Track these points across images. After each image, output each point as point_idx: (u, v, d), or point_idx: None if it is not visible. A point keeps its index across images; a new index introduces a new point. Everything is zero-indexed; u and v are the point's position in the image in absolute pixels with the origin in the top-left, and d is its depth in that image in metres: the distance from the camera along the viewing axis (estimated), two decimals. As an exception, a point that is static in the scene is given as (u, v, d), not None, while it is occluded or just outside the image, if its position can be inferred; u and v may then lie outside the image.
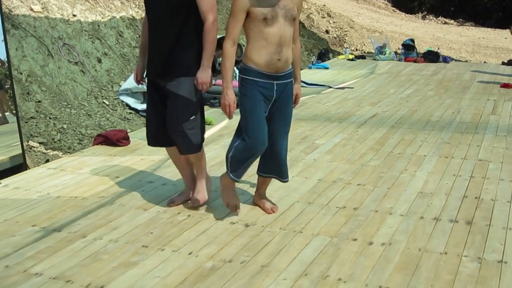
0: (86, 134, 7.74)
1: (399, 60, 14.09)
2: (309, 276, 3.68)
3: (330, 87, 10.69)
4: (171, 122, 4.48)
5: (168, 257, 3.98)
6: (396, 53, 14.80)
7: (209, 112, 7.88)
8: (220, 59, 4.23)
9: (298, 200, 4.99)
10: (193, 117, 4.47)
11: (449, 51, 16.89)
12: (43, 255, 4.04)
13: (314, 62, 13.36)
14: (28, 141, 7.29)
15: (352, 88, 10.63)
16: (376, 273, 3.71)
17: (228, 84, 4.19)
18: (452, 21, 25.47)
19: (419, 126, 7.63)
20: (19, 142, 7.00)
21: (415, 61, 13.78)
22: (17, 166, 6.94)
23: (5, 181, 5.81)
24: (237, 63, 4.52)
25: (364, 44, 16.78)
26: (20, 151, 6.97)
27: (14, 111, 7.38)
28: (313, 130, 7.46)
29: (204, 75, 4.34)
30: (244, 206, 4.82)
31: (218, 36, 4.40)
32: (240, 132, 4.31)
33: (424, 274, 3.70)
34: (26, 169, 6.64)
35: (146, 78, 4.66)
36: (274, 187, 5.29)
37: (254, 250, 4.07)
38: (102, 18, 10.01)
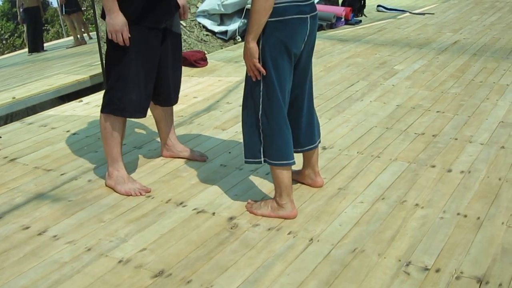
0: (164, 55, 7.80)
1: (482, -14, 13.57)
2: (386, 200, 3.67)
3: (410, 12, 10.43)
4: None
5: (246, 177, 4.03)
6: (480, -22, 14.25)
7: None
8: None
9: (376, 125, 4.94)
10: None
11: (537, -23, 16.15)
12: (124, 170, 4.14)
13: (394, -13, 13.00)
14: (108, 61, 7.40)
15: (433, 14, 10.33)
16: (455, 200, 3.67)
17: None
18: None
19: (502, 55, 7.38)
20: (99, 62, 7.14)
21: (500, -12, 13.24)
22: (97, 85, 7.11)
23: (86, 99, 5.97)
24: None
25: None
26: (100, 71, 7.11)
27: (95, 31, 7.50)
28: (392, 56, 7.33)
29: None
30: (322, 129, 4.78)
31: None
32: None
33: (504, 203, 3.63)
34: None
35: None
36: (352, 111, 5.26)
37: (331, 172, 4.08)
38: None
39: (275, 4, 3.13)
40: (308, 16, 3.27)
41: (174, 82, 4.06)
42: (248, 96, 3.37)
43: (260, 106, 3.30)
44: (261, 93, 3.29)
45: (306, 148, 3.71)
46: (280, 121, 3.32)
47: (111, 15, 3.51)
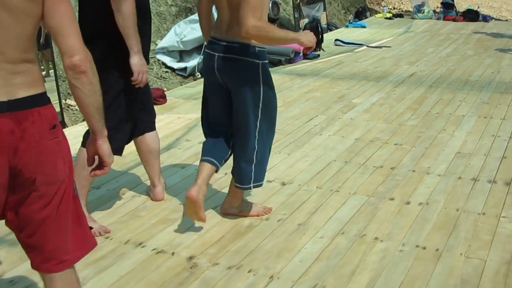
0: (123, 93, 7.78)
1: (438, 19, 13.84)
2: (346, 235, 3.69)
3: (367, 46, 10.57)
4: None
5: (206, 215, 4.00)
6: (435, 11, 14.52)
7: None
8: None
9: (335, 159, 4.97)
10: None
11: (489, 10, 16.49)
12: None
13: (351, 21, 13.19)
14: (65, 100, 7.36)
15: (390, 47, 10.49)
16: (414, 233, 3.70)
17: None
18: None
19: (457, 86, 7.51)
20: (58, 100, 7.07)
21: (454, 20, 13.51)
22: (55, 125, 7.01)
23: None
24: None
25: (402, 3, 16.49)
26: (59, 109, 7.03)
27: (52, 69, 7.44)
28: (350, 89, 7.39)
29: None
30: (281, 164, 4.83)
31: None
32: None
33: (462, 234, 3.68)
34: (64, 127, 6.71)
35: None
36: (311, 145, 5.28)
37: (291, 208, 4.08)
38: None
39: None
40: (216, 55, 3.48)
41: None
42: None
43: None
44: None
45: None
46: (204, 130, 3.85)
47: (140, 55, 3.44)
